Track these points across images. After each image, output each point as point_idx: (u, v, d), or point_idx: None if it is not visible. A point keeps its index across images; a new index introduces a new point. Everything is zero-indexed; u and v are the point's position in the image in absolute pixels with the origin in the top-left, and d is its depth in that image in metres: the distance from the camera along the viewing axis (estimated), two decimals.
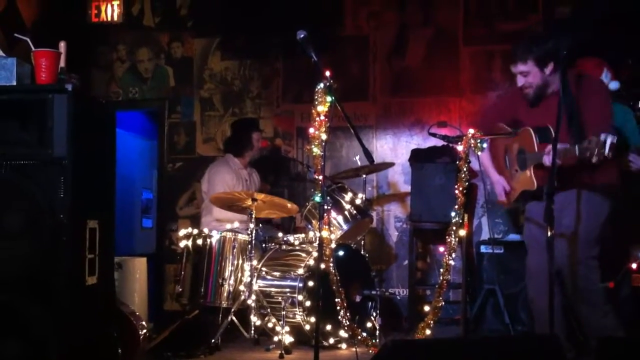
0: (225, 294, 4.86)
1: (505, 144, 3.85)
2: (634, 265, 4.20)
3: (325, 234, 3.79)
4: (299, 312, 4.56)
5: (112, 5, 6.62)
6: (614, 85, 4.35)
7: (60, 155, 2.84)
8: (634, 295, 4.32)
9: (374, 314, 4.75)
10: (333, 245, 4.51)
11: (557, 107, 3.25)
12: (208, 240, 4.96)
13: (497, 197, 3.93)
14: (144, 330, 3.71)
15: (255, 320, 4.62)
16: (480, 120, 4.07)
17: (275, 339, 4.53)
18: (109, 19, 6.58)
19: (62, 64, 3.08)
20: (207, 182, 5.55)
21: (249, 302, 4.63)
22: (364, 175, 5.46)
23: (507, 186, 3.80)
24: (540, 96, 3.65)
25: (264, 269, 4.88)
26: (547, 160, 3.36)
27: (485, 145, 3.59)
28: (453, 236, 3.76)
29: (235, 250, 4.93)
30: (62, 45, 3.13)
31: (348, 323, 4.27)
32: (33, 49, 3.02)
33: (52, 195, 2.80)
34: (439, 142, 4.64)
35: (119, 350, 3.30)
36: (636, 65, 4.90)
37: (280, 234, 5.24)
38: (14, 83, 2.95)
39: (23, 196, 2.80)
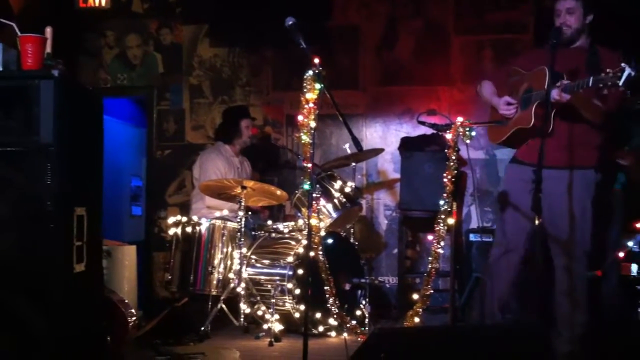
0: (214, 282, 4.86)
1: (513, 85, 3.84)
2: (621, 254, 4.24)
3: (314, 222, 3.79)
4: (289, 300, 4.57)
5: None
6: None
7: (46, 141, 2.80)
8: (622, 284, 4.36)
9: (363, 302, 4.76)
10: (322, 234, 4.52)
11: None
12: (197, 228, 4.95)
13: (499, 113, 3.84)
14: (133, 318, 3.71)
15: (244, 308, 4.62)
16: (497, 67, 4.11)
17: (265, 326, 4.54)
18: (97, 4, 6.51)
19: (48, 49, 3.05)
20: (198, 168, 5.53)
21: (239, 290, 4.62)
22: (354, 163, 5.46)
23: (512, 100, 3.78)
24: (571, 42, 3.69)
25: (253, 256, 4.88)
26: (554, 93, 3.40)
27: (474, 133, 3.58)
28: (442, 225, 3.77)
29: (224, 238, 4.93)
30: (48, 30, 3.09)
31: (337, 311, 4.28)
32: (19, 34, 2.98)
33: (39, 182, 2.76)
34: (429, 131, 4.65)
35: (108, 338, 3.30)
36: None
37: (269, 222, 5.24)
38: (0, 69, 2.92)
39: (9, 183, 2.77)
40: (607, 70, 3.21)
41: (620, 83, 3.17)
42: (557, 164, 3.55)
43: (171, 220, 5.16)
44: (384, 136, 6.14)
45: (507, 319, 4.78)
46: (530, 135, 3.64)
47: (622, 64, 3.19)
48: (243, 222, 4.72)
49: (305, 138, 3.65)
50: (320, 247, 4.18)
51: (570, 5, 3.66)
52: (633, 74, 3.18)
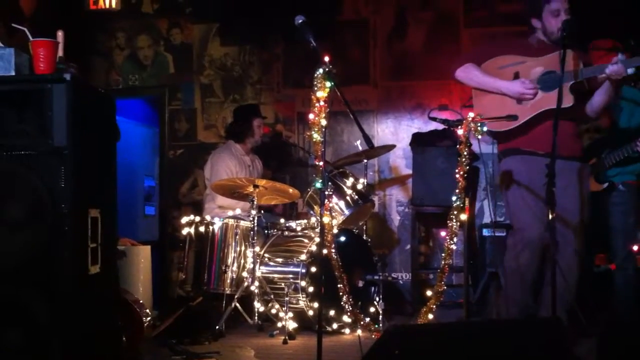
0: (228, 281, 4.89)
1: (515, 70, 3.78)
2: (635, 247, 4.21)
3: (326, 219, 3.79)
4: (302, 297, 4.58)
5: None
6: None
7: (60, 144, 2.82)
8: (639, 277, 4.32)
9: (377, 299, 4.76)
10: (335, 231, 4.52)
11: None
12: (210, 227, 4.97)
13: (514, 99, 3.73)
14: (148, 318, 3.73)
15: (258, 306, 4.63)
16: (466, 53, 4.07)
17: (279, 324, 4.56)
18: (107, 6, 6.55)
19: (60, 53, 3.07)
20: (209, 168, 5.55)
21: (252, 288, 4.64)
22: (365, 160, 5.46)
23: (527, 81, 3.70)
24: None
25: (266, 255, 4.89)
26: (617, 68, 3.44)
27: (485, 128, 3.56)
28: (454, 220, 3.76)
29: (237, 237, 4.95)
30: (60, 34, 3.10)
31: (351, 308, 4.28)
32: (31, 38, 3.01)
33: (53, 185, 2.78)
34: (440, 126, 4.65)
35: (123, 339, 3.32)
36: (638, 45, 4.87)
37: (282, 220, 5.25)
38: (13, 73, 2.94)
39: (23, 187, 2.79)
40: None
41: None
42: (572, 153, 3.65)
43: (184, 220, 5.18)
44: (395, 132, 6.13)
45: (523, 315, 4.78)
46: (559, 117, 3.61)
47: None
48: (256, 221, 4.73)
49: (316, 136, 3.64)
50: (333, 245, 4.18)
51: (567, 6, 3.70)
52: None
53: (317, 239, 4.66)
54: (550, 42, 3.76)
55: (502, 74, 3.80)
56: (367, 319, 4.45)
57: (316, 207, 4.91)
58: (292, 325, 4.47)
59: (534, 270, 3.74)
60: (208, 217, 5.07)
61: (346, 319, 4.48)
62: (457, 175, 3.67)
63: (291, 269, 4.74)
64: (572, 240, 3.63)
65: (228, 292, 4.86)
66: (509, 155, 3.79)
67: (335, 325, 4.56)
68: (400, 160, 6.09)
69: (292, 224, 5.08)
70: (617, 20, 5.00)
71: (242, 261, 4.92)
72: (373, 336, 4.21)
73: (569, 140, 3.65)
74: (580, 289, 3.89)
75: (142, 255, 4.98)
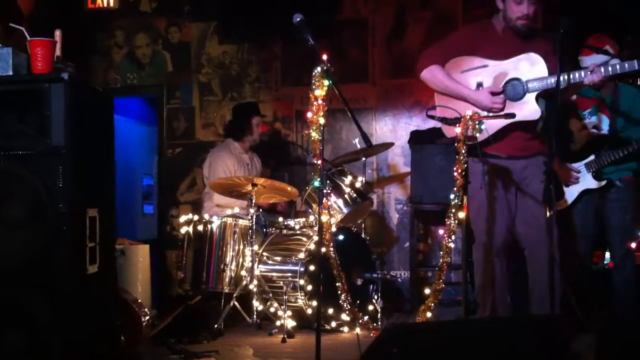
0: (227, 280, 4.89)
1: (479, 75, 3.73)
2: (633, 245, 4.20)
3: (325, 217, 3.79)
4: (301, 296, 4.59)
5: None
6: None
7: (58, 144, 2.83)
8: (636, 275, 4.32)
9: (376, 297, 4.77)
10: (334, 229, 4.52)
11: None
12: (209, 226, 4.98)
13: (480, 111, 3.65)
14: (147, 317, 3.73)
15: (257, 305, 4.64)
16: (431, 50, 3.99)
17: (278, 323, 4.56)
18: (105, 4, 6.55)
19: (58, 52, 3.07)
20: (208, 167, 5.55)
21: (251, 287, 4.64)
22: (364, 158, 5.46)
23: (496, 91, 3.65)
24: (527, 35, 3.62)
25: (265, 253, 4.89)
26: (594, 77, 3.45)
27: (483, 126, 3.56)
28: (453, 218, 3.76)
29: (236, 236, 4.95)
30: (58, 33, 3.11)
31: (349, 307, 4.29)
32: (28, 38, 3.01)
33: (51, 184, 2.79)
34: (439, 124, 4.65)
35: (122, 338, 3.32)
36: (636, 42, 4.86)
37: (280, 219, 5.25)
38: (10, 73, 2.94)
39: (22, 186, 2.79)
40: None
41: None
42: (533, 153, 3.65)
43: (183, 218, 5.19)
44: (394, 129, 6.13)
45: (522, 312, 4.78)
46: (523, 127, 3.62)
47: None
48: (254, 220, 4.74)
49: (314, 135, 3.64)
50: (332, 243, 4.19)
51: None
52: None
53: (316, 238, 4.66)
54: (509, 29, 3.69)
55: (465, 78, 3.75)
56: (366, 317, 4.45)
57: (315, 206, 4.92)
58: (290, 323, 4.47)
59: (508, 277, 3.78)
60: (206, 216, 5.07)
61: (345, 317, 4.49)
62: (455, 173, 3.67)
63: (290, 267, 4.74)
64: (553, 230, 3.63)
65: (227, 290, 4.86)
66: (470, 157, 3.73)
67: (333, 324, 4.57)
68: (399, 158, 6.09)
69: (291, 222, 5.08)
70: (611, 17, 4.99)
71: (241, 260, 4.92)
72: (372, 334, 4.22)
73: (529, 143, 3.65)
74: (579, 286, 3.90)
75: (141, 254, 4.99)
